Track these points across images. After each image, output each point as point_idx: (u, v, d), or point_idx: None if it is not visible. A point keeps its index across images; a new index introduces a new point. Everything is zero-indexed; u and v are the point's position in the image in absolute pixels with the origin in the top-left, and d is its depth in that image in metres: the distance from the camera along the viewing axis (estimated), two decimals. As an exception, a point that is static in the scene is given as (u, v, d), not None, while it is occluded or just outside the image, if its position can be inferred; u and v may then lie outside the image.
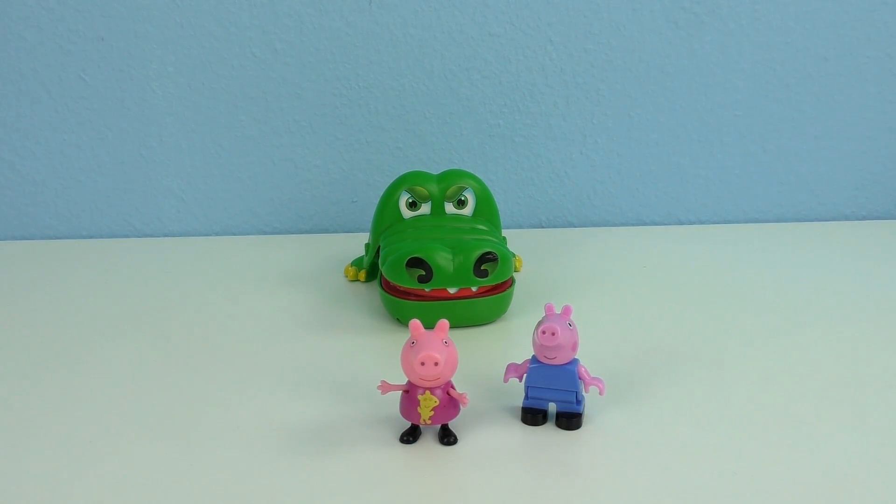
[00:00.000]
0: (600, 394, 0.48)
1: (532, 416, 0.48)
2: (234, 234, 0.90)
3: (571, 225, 0.91)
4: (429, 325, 0.45)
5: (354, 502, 0.41)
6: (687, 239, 0.84)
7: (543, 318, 0.47)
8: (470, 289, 0.61)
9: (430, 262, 0.59)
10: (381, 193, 0.69)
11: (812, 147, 0.89)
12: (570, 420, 0.47)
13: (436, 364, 0.43)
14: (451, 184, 0.68)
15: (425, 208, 0.68)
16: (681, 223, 0.91)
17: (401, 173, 0.70)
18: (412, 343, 0.44)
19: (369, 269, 0.72)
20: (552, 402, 0.48)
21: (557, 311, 0.48)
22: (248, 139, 0.86)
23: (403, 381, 0.46)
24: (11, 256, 0.82)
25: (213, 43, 0.82)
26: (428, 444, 0.46)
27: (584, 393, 0.48)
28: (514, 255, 0.67)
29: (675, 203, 0.90)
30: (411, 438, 0.46)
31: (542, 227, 0.91)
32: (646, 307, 0.66)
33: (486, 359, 0.56)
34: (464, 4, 0.82)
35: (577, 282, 0.72)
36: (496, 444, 0.46)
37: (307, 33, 0.82)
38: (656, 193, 0.90)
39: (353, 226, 0.90)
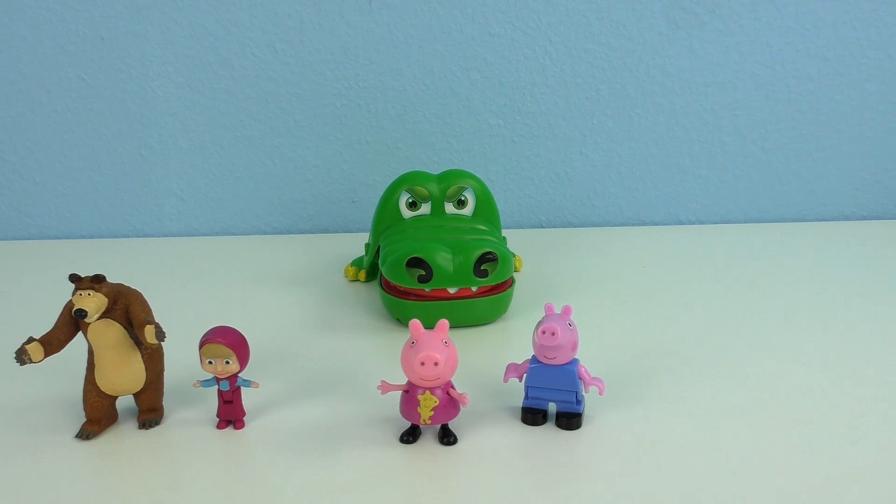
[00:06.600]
0: (600, 394, 0.48)
1: (532, 416, 0.48)
2: (234, 234, 0.90)
3: (571, 225, 0.91)
4: (429, 325, 0.45)
5: (354, 502, 0.41)
6: (687, 239, 0.84)
7: (543, 318, 0.47)
8: (470, 289, 0.61)
9: (430, 262, 0.59)
10: (381, 193, 0.69)
11: (812, 147, 0.89)
12: (570, 420, 0.48)
13: (436, 364, 0.43)
14: (451, 184, 0.68)
15: (425, 208, 0.68)
16: (681, 223, 0.91)
17: (401, 173, 0.70)
18: (412, 343, 0.44)
19: (369, 269, 0.72)
20: (552, 402, 0.48)
21: (557, 311, 0.48)
22: (248, 139, 0.86)
23: (403, 381, 0.46)
24: (11, 256, 0.82)
25: (213, 43, 0.82)
26: (428, 444, 0.46)
27: (584, 393, 0.48)
28: (514, 255, 0.67)
29: (675, 203, 0.90)
30: (411, 438, 0.46)
31: (542, 227, 0.91)
32: (646, 307, 0.66)
33: (486, 359, 0.56)
34: (464, 4, 0.82)
35: (577, 282, 0.72)
36: (496, 444, 0.46)
37: (307, 33, 0.82)
38: (656, 193, 0.90)
39: (353, 226, 0.90)
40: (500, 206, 0.73)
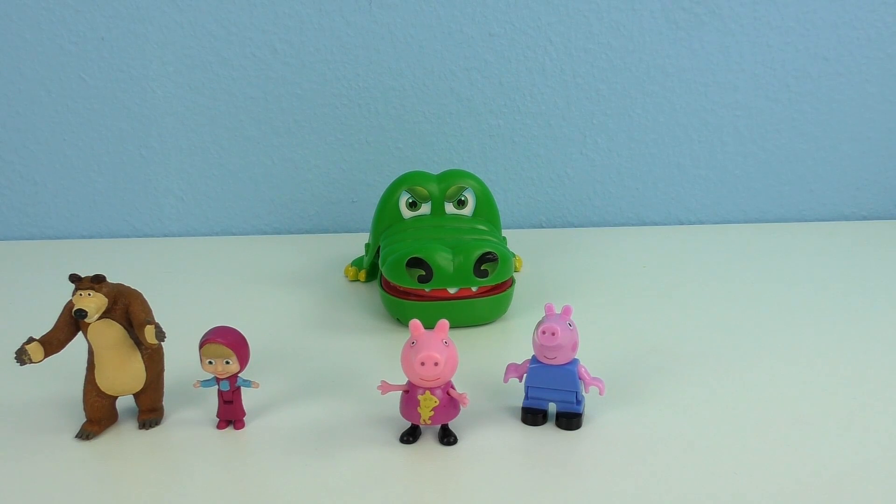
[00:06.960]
0: (600, 394, 0.48)
1: (532, 416, 0.48)
2: (234, 234, 0.90)
3: (571, 225, 0.91)
4: (429, 325, 0.45)
5: (354, 502, 0.41)
6: (687, 239, 0.84)
7: (543, 318, 0.47)
8: (470, 289, 0.61)
9: (430, 262, 0.59)
10: (381, 193, 0.69)
11: (812, 147, 0.89)
12: (570, 420, 0.48)
13: (436, 364, 0.43)
14: (451, 184, 0.68)
15: (425, 208, 0.68)
16: (681, 223, 0.91)
17: (401, 173, 0.70)
18: (412, 343, 0.44)
19: (369, 269, 0.72)
20: (552, 402, 0.48)
21: (557, 311, 0.48)
22: (248, 139, 0.86)
23: (403, 381, 0.46)
24: (11, 256, 0.82)
25: (213, 43, 0.82)
26: (428, 444, 0.46)
27: (584, 393, 0.48)
28: (514, 255, 0.67)
29: (675, 203, 0.90)
30: (411, 438, 0.46)
31: (542, 227, 0.91)
32: (646, 307, 0.66)
33: (486, 359, 0.56)
34: (464, 4, 0.82)
35: (577, 282, 0.72)
36: (496, 444, 0.46)
37: (307, 33, 0.82)
38: (656, 193, 0.90)
39: (353, 226, 0.90)
40: (500, 206, 0.73)
